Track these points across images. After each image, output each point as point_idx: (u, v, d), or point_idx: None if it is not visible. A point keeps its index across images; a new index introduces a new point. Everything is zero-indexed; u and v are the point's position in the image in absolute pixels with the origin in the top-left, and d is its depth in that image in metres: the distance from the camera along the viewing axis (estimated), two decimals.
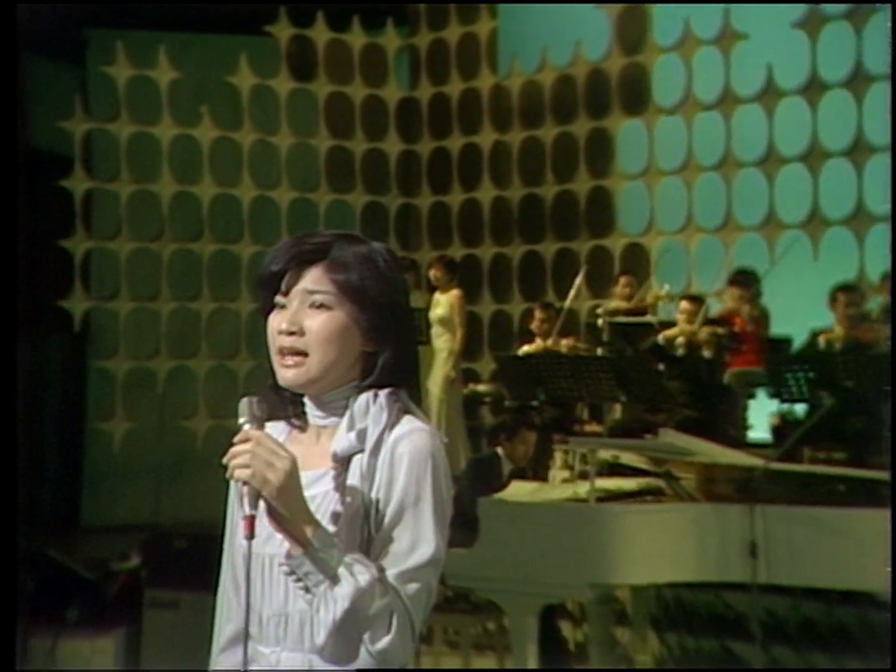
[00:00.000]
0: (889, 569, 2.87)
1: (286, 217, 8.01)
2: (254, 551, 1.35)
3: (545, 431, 4.92)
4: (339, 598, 1.28)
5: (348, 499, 1.35)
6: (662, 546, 3.60)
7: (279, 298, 1.41)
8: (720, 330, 5.60)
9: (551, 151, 8.03)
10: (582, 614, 4.64)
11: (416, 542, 1.34)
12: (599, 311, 6.46)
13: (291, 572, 1.30)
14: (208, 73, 7.81)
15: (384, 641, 1.29)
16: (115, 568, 4.53)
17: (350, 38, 8.24)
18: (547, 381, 5.11)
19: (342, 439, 1.39)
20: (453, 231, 8.38)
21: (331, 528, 1.33)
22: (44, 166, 6.99)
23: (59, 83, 7.49)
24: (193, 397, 7.58)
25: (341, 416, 1.41)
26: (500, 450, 4.66)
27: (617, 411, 5.93)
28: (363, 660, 1.29)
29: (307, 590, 1.30)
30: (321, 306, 1.39)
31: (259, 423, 1.33)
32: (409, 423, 1.38)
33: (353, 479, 1.37)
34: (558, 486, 4.08)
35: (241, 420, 1.32)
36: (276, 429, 1.46)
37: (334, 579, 1.28)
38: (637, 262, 7.61)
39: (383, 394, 1.39)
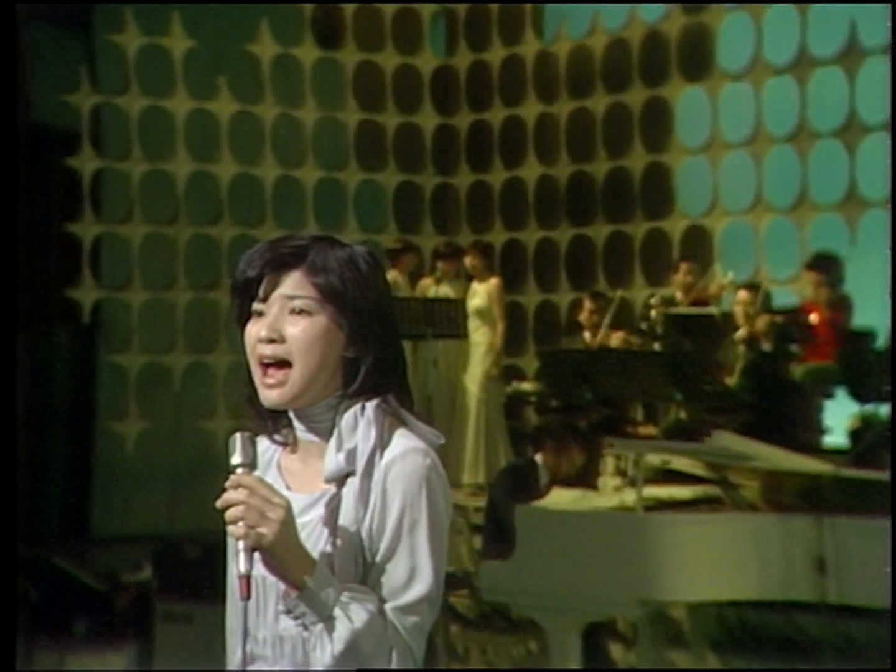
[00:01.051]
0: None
1: (312, 198, 8.10)
2: None
3: (593, 434, 4.96)
4: (334, 641, 1.37)
5: (343, 524, 1.42)
6: (719, 560, 3.63)
7: (257, 305, 1.47)
8: (778, 319, 5.58)
9: (603, 124, 8.02)
10: (634, 634, 4.68)
11: (413, 576, 1.41)
12: (653, 300, 6.45)
13: (288, 611, 1.39)
14: (226, 41, 7.90)
15: None
16: (126, 579, 4.65)
17: (380, 2, 8.32)
18: (595, 379, 5.15)
19: (331, 461, 1.45)
20: (494, 213, 8.43)
21: (324, 555, 1.40)
22: (48, 144, 7.13)
23: (63, 53, 7.59)
24: (212, 395, 7.69)
25: (328, 429, 1.47)
26: (538, 457, 4.72)
27: (674, 412, 5.95)
28: None
29: (305, 627, 1.39)
30: (302, 312, 1.45)
31: (252, 466, 1.39)
32: (401, 443, 1.44)
33: (346, 503, 1.44)
34: (604, 494, 4.13)
35: (234, 461, 1.39)
36: (266, 444, 1.53)
37: (330, 621, 1.37)
38: (699, 247, 7.59)
39: (371, 406, 1.45)
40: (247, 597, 1.36)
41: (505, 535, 3.66)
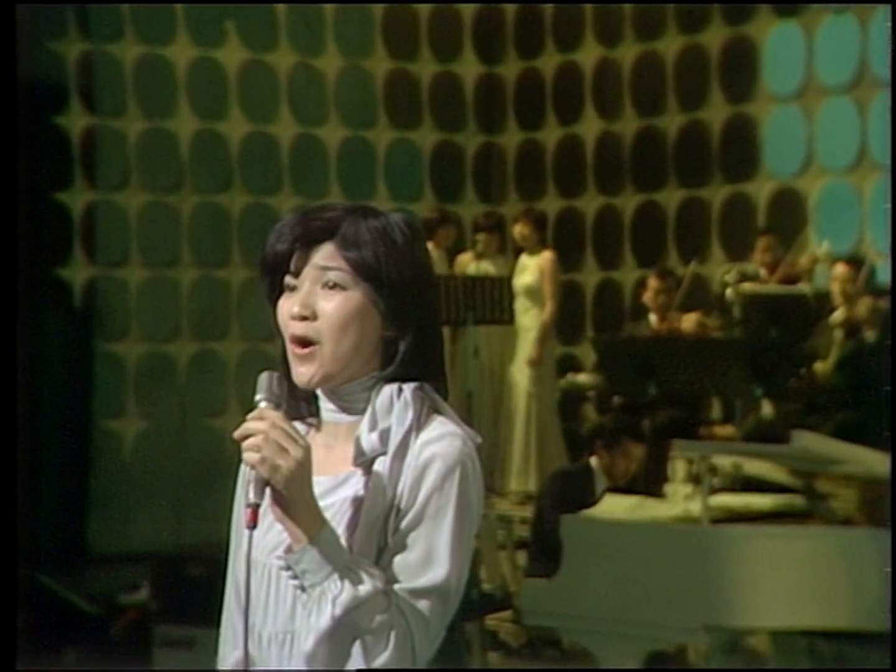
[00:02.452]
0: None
1: (335, 161, 8.16)
2: (258, 561, 1.54)
3: (659, 435, 5.01)
4: (335, 604, 1.46)
5: (369, 507, 1.52)
6: (803, 581, 3.67)
7: (289, 280, 1.58)
8: (884, 301, 5.55)
9: (674, 70, 8.00)
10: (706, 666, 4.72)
11: (430, 559, 1.51)
12: (729, 277, 6.44)
13: (287, 567, 1.48)
14: None
15: (382, 658, 1.47)
16: (123, 601, 4.76)
17: None
18: (660, 371, 5.19)
19: (364, 440, 1.55)
20: (547, 177, 8.45)
21: (345, 539, 1.50)
22: (31, 99, 7.24)
23: None
24: (222, 390, 7.77)
25: (360, 412, 1.58)
26: (593, 461, 4.79)
27: (756, 411, 5.96)
28: None
29: (303, 589, 1.48)
30: (335, 286, 1.56)
31: (277, 403, 1.51)
32: (439, 427, 1.55)
33: (374, 485, 1.54)
34: (666, 502, 4.18)
35: (258, 397, 1.51)
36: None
37: (332, 583, 1.46)
38: (788, 214, 7.55)
39: (408, 389, 1.56)
40: (252, 525, 1.46)
41: (551, 550, 3.72)
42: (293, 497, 1.47)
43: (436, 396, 1.58)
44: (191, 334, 7.90)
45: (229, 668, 1.65)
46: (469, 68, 8.52)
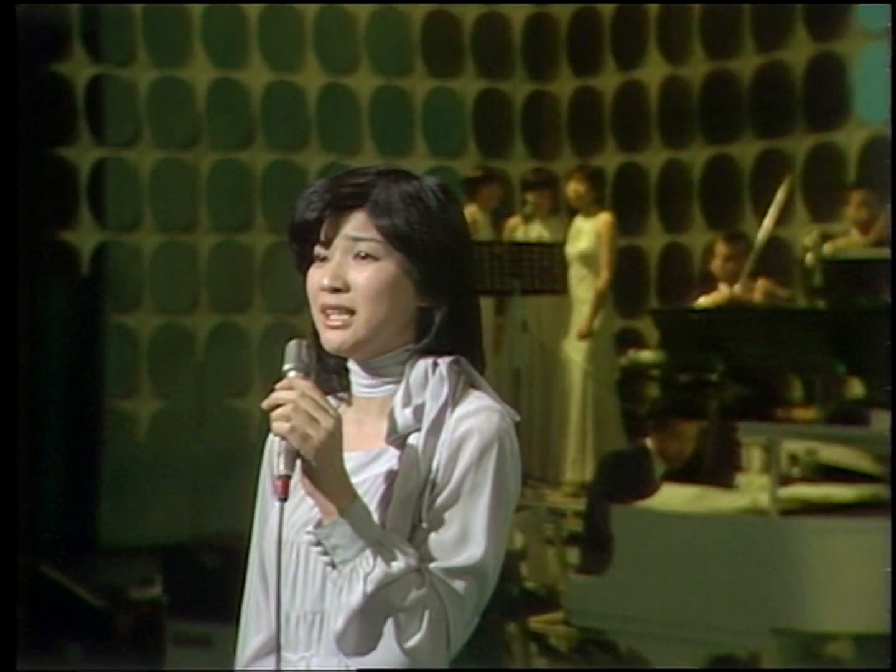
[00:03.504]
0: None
1: (367, 114, 8.18)
2: (288, 539, 1.63)
3: (724, 416, 5.04)
4: (365, 581, 1.54)
5: (402, 484, 1.61)
6: (886, 581, 3.68)
7: (319, 250, 1.68)
8: None
9: (750, 5, 7.95)
10: None
11: (465, 538, 1.60)
12: (807, 240, 6.42)
13: (318, 543, 1.58)
14: None
15: (415, 639, 1.55)
16: (134, 596, 4.86)
17: None
18: (729, 346, 5.20)
19: (397, 416, 1.65)
20: (605, 129, 8.44)
21: (378, 515, 1.60)
22: (29, 45, 7.31)
23: None
24: (244, 367, 7.84)
25: (393, 386, 1.67)
26: (649, 442, 4.83)
27: (843, 390, 5.96)
28: (394, 658, 1.56)
29: (333, 566, 1.57)
30: (367, 257, 1.65)
31: (306, 372, 1.61)
32: (476, 401, 1.64)
33: (407, 460, 1.63)
34: (732, 493, 4.21)
35: (287, 366, 1.60)
36: None
37: (364, 559, 1.55)
38: (882, 167, 7.48)
39: (444, 363, 1.65)
40: (284, 497, 1.56)
41: (599, 544, 3.78)
42: (323, 468, 1.56)
43: (472, 371, 1.67)
44: (210, 305, 7.97)
45: (250, 654, 1.74)
46: (516, 7, 8.49)
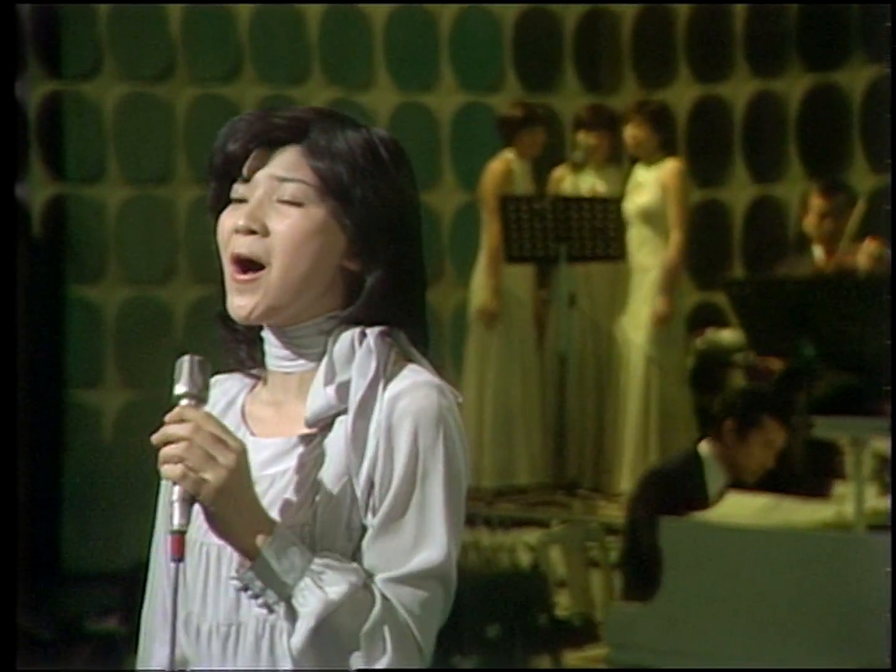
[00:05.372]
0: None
1: (382, 37, 8.13)
2: (195, 540, 1.70)
3: (812, 411, 5.05)
4: (304, 616, 1.61)
5: (330, 475, 1.67)
6: None
7: (238, 188, 1.73)
8: None
9: None
10: None
11: (421, 538, 1.66)
12: None
13: (245, 588, 1.64)
14: None
15: (383, 663, 1.62)
16: (90, 628, 4.92)
17: None
18: (820, 324, 5.21)
19: (318, 396, 1.69)
20: (678, 54, 8.39)
21: (302, 513, 1.66)
22: None
23: None
24: None
25: (315, 358, 1.72)
26: (703, 448, 4.85)
27: None
28: None
29: (269, 609, 1.63)
30: (293, 201, 1.71)
31: (200, 397, 1.65)
32: (411, 375, 1.69)
33: (333, 449, 1.68)
34: (813, 503, 4.23)
35: (179, 390, 1.65)
36: (232, 383, 1.81)
37: (298, 594, 1.61)
38: None
39: (373, 333, 1.70)
40: (178, 557, 1.61)
41: (645, 565, 3.82)
42: (227, 512, 1.61)
43: (408, 346, 1.72)
44: (189, 275, 7.98)
45: (155, 667, 1.81)
46: None
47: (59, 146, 7.96)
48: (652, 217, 7.14)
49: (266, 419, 1.73)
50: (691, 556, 3.83)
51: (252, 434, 1.75)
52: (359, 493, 1.67)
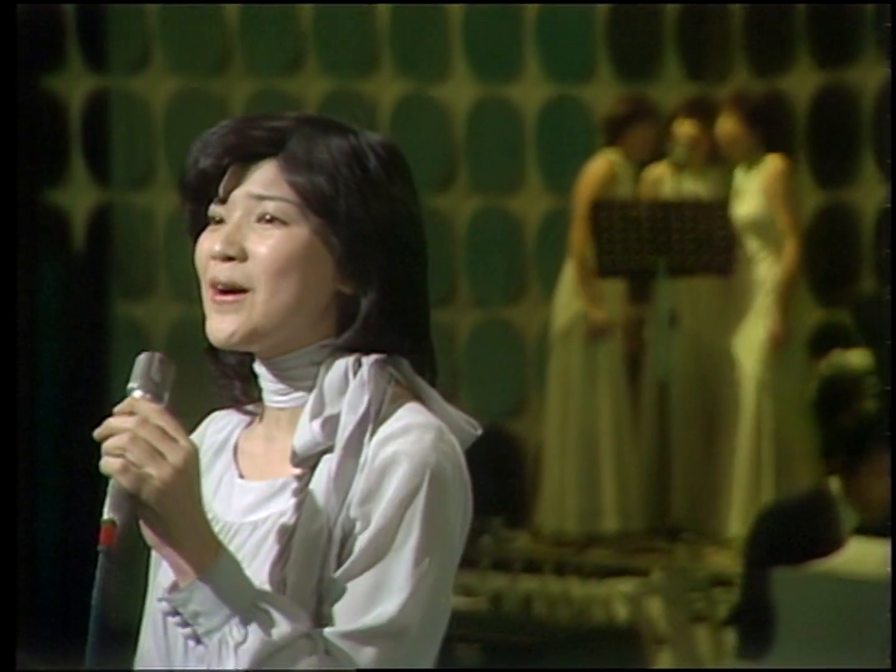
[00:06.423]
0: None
1: (461, 24, 8.21)
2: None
3: None
4: (239, 654, 1.60)
5: (306, 522, 1.67)
6: None
7: (215, 209, 1.75)
8: None
9: None
10: None
11: (378, 592, 1.65)
12: None
13: (174, 612, 1.63)
14: None
15: None
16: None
17: None
18: None
19: (304, 432, 1.70)
20: (796, 39, 8.38)
21: (279, 567, 1.66)
22: None
23: None
24: None
25: (306, 393, 1.73)
26: (833, 484, 4.83)
27: None
28: None
29: (197, 639, 1.63)
30: (274, 220, 1.72)
31: (156, 393, 1.66)
32: (407, 416, 1.70)
33: (316, 490, 1.69)
34: None
35: (132, 385, 1.67)
36: (228, 420, 1.84)
37: (234, 627, 1.61)
38: None
39: (369, 362, 1.71)
40: (107, 548, 1.59)
41: (756, 620, 3.81)
42: (171, 516, 1.61)
43: (413, 376, 1.73)
44: None
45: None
46: None
47: (103, 147, 8.08)
48: (759, 228, 7.10)
49: (257, 456, 1.75)
50: (812, 610, 3.80)
51: (241, 476, 1.78)
52: (333, 547, 1.68)
